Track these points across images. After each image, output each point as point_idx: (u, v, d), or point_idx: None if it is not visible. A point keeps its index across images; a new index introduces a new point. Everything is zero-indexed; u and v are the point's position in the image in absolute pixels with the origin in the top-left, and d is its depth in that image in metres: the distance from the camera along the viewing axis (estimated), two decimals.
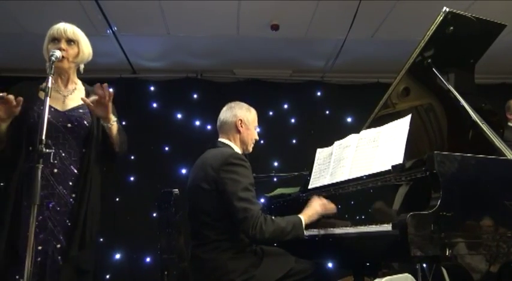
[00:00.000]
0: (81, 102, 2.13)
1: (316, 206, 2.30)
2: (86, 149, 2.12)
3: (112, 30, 4.53)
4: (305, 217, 2.22)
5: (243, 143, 2.42)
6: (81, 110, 2.15)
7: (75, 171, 2.08)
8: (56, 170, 2.01)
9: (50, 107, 2.03)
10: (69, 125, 2.08)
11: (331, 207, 2.31)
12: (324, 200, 2.33)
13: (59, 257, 1.97)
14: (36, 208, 1.65)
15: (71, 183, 2.06)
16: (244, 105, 2.48)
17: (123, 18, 4.40)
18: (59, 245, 1.98)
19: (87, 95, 2.19)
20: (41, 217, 1.95)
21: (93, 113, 2.12)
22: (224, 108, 2.47)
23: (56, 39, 2.11)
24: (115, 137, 2.18)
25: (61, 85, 2.16)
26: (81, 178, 2.08)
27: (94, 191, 2.11)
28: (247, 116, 2.43)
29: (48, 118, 1.99)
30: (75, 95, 2.18)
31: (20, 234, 1.92)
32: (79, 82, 2.24)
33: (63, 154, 2.05)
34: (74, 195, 2.06)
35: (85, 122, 2.13)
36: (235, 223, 2.12)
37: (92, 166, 2.11)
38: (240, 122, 2.40)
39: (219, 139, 2.42)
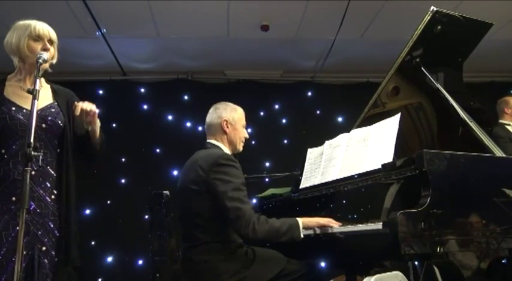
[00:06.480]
0: (50, 100, 2.11)
1: (320, 219, 2.22)
2: (61, 149, 2.08)
3: (101, 32, 4.49)
4: (303, 220, 2.18)
5: (231, 143, 2.42)
6: (53, 109, 2.10)
7: (53, 172, 2.04)
8: (33, 173, 1.95)
9: (23, 108, 2.01)
10: (43, 125, 2.03)
11: (335, 223, 2.18)
12: (332, 220, 2.21)
13: (46, 260, 1.94)
14: (24, 213, 1.63)
15: (49, 184, 2.02)
16: (230, 105, 2.46)
17: (113, 20, 4.36)
18: (44, 248, 1.95)
19: (55, 93, 2.15)
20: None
21: (78, 118, 2.08)
22: (210, 110, 2.47)
23: (39, 38, 2.06)
24: (98, 138, 2.16)
25: (28, 84, 2.07)
26: (60, 178, 2.05)
27: (72, 190, 2.09)
28: (233, 116, 2.42)
29: (22, 120, 1.97)
30: (42, 93, 2.08)
31: None
32: (42, 79, 2.16)
33: (40, 156, 1.98)
34: (53, 197, 2.03)
35: (59, 122, 2.08)
36: (227, 223, 2.12)
37: (69, 165, 2.08)
38: (225, 122, 2.39)
39: (208, 140, 2.41)
